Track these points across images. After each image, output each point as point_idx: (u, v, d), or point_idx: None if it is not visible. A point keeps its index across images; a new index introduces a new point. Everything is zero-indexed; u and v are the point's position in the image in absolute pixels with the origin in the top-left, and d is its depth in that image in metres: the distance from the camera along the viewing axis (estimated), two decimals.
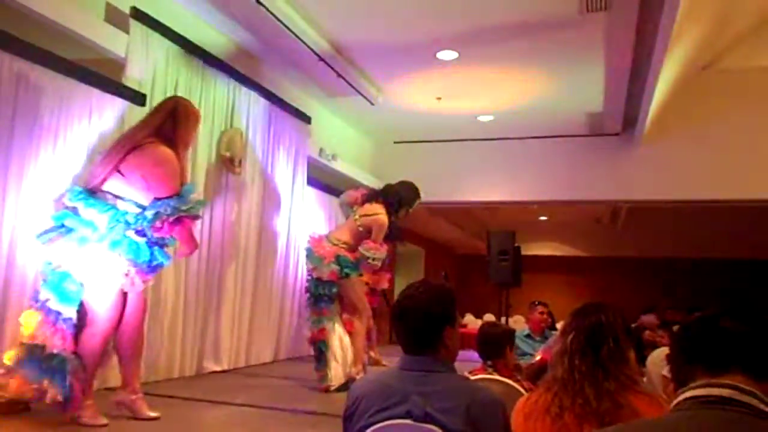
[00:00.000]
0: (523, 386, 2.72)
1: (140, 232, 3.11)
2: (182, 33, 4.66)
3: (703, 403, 0.90)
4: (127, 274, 3.07)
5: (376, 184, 8.65)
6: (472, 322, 11.73)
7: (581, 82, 6.41)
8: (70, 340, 2.97)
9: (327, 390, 4.40)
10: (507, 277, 7.62)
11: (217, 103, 5.11)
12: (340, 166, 7.59)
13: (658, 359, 3.80)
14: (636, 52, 5.43)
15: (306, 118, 6.55)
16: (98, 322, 3.06)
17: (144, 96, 4.25)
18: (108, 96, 4.02)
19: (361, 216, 4.70)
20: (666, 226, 12.22)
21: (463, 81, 6.52)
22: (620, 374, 1.69)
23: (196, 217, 3.27)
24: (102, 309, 3.06)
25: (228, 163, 5.19)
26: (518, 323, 8.62)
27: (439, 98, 7.05)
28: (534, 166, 8.19)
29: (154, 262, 3.18)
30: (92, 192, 3.15)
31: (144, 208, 3.12)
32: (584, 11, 4.82)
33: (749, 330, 0.96)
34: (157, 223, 3.08)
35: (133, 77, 4.21)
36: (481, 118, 7.72)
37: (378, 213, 4.66)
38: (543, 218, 13.45)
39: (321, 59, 5.66)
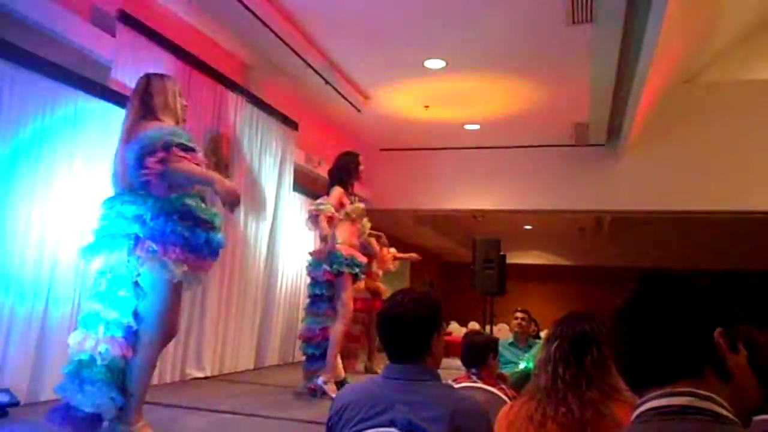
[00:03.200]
0: (506, 394, 2.73)
1: (186, 216, 2.81)
2: (169, 37, 4.64)
3: (665, 414, 0.90)
4: (182, 266, 2.77)
5: (363, 191, 8.68)
6: (456, 330, 11.77)
7: (567, 93, 6.47)
8: (117, 348, 2.72)
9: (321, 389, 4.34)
10: (492, 286, 7.64)
11: (204, 108, 5.09)
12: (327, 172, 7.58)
13: None
14: (621, 64, 5.50)
15: (293, 124, 6.54)
16: (158, 326, 2.80)
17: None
18: (94, 99, 3.99)
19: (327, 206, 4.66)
20: (649, 236, 12.34)
21: (450, 90, 6.56)
22: (603, 383, 1.70)
23: (179, 146, 2.80)
24: (161, 311, 2.80)
25: (214, 168, 5.17)
26: (503, 331, 8.65)
27: (426, 106, 7.09)
28: (520, 175, 8.25)
29: (209, 246, 2.87)
30: (126, 192, 2.87)
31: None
32: (570, 23, 4.88)
33: (682, 337, 0.95)
34: (141, 165, 2.75)
35: (119, 80, 4.19)
36: (467, 126, 7.77)
37: (333, 190, 4.75)
38: (528, 227, 13.52)
39: (309, 65, 5.67)
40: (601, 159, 7.82)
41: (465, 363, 3.26)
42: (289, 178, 6.50)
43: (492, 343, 3.40)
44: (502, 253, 7.92)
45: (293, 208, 6.71)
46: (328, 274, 4.50)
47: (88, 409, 2.63)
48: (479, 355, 3.22)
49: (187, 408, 3.62)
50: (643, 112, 6.33)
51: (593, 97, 6.35)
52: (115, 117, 4.13)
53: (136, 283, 2.79)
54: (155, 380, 4.48)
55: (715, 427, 0.87)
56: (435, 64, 5.88)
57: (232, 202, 2.89)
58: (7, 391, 3.24)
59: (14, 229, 3.45)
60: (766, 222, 7.97)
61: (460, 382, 2.97)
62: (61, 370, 2.80)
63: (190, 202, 2.85)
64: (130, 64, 4.24)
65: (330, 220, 4.53)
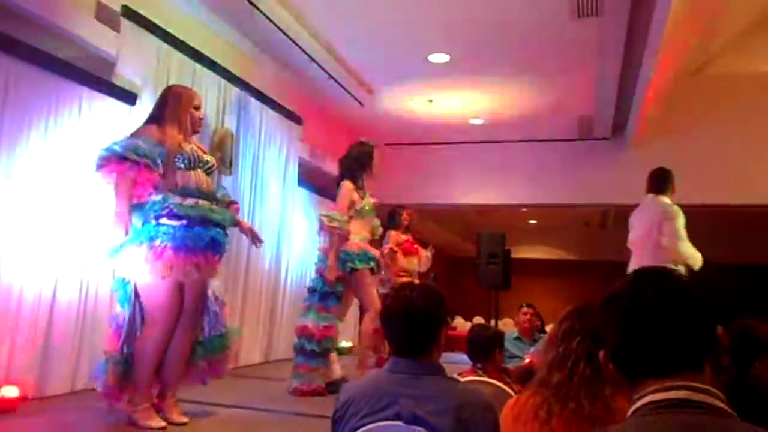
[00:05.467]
0: (512, 388, 2.73)
1: (173, 215, 3.00)
2: (174, 32, 4.64)
3: (663, 408, 0.91)
4: (174, 265, 2.97)
5: (368, 186, 8.67)
6: (461, 325, 11.75)
7: (572, 87, 6.45)
8: (116, 341, 3.01)
9: (319, 390, 4.21)
10: (496, 280, 7.65)
11: (208, 102, 5.08)
12: (332, 167, 7.58)
13: None
14: (626, 57, 5.48)
15: (297, 119, 6.54)
16: (153, 322, 3.04)
17: (135, 95, 4.23)
18: (98, 95, 4.00)
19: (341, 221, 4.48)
20: None
21: (454, 84, 6.54)
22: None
23: (121, 157, 2.95)
24: (155, 308, 3.03)
25: (218, 163, 5.16)
26: (507, 326, 8.65)
27: (430, 101, 7.08)
28: (524, 169, 8.23)
29: (201, 244, 3.04)
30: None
31: None
32: (576, 16, 4.86)
33: (688, 330, 0.96)
34: (100, 169, 2.99)
35: (123, 76, 4.19)
36: (472, 121, 7.75)
37: (342, 187, 4.54)
38: (533, 222, 13.50)
39: (313, 60, 5.66)
40: (606, 153, 7.79)
41: (471, 357, 3.26)
42: (293, 173, 6.51)
43: (498, 337, 3.40)
44: (506, 247, 7.92)
45: (298, 202, 6.71)
46: (338, 273, 4.33)
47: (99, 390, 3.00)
48: (485, 349, 3.22)
49: (193, 402, 3.63)
50: (648, 106, 6.30)
51: (599, 90, 6.32)
52: (120, 113, 4.15)
53: (131, 283, 3.07)
54: None
55: (712, 419, 0.88)
56: (439, 58, 5.86)
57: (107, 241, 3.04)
58: (14, 386, 3.25)
59: (21, 224, 3.47)
60: None
61: (465, 376, 2.97)
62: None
63: (173, 201, 3.01)
64: (134, 59, 4.25)
65: (344, 239, 4.37)
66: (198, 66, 4.92)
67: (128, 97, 4.19)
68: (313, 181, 7.26)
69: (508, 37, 5.40)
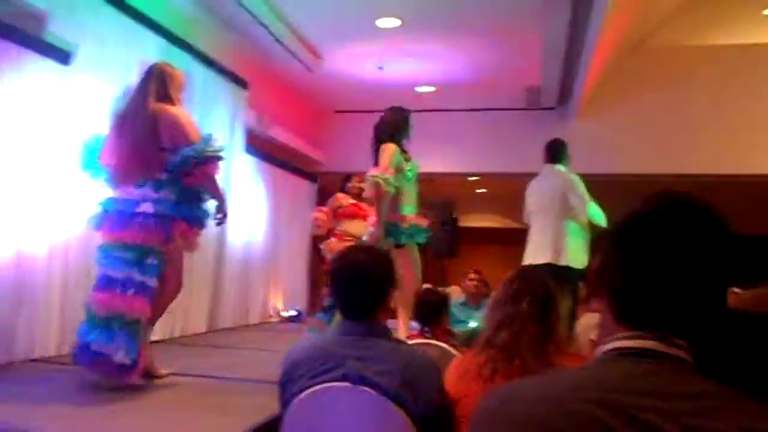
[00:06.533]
0: (457, 350, 2.79)
1: (203, 199, 3.32)
2: None
3: (623, 354, 0.82)
4: (186, 236, 3.24)
5: (316, 154, 8.57)
6: None
7: (520, 56, 6.49)
8: (146, 307, 3.09)
9: None
10: (444, 248, 7.75)
11: (147, 64, 4.87)
12: (280, 134, 7.46)
13: (587, 325, 3.92)
14: (572, 28, 5.53)
15: (242, 83, 6.36)
16: (169, 289, 3.26)
17: (69, 54, 4.02)
18: (30, 53, 3.78)
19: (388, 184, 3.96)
20: (598, 200, 12.67)
21: (405, 50, 6.49)
22: (557, 336, 1.75)
23: (220, 158, 3.29)
24: (176, 273, 3.27)
25: None
26: (454, 293, 8.79)
27: (381, 67, 7.00)
28: (473, 138, 8.29)
29: (204, 219, 3.35)
30: (159, 177, 3.19)
31: (173, 156, 3.17)
32: None
33: (693, 298, 0.84)
34: (186, 169, 3.15)
35: (56, 34, 3.96)
36: (421, 89, 7.73)
37: (386, 148, 4.07)
38: (481, 191, 13.67)
39: (259, 22, 5.50)
40: (553, 123, 7.89)
41: (419, 321, 3.31)
42: (239, 140, 6.35)
43: (444, 301, 3.47)
44: (454, 216, 8.01)
45: (245, 170, 6.58)
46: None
47: (118, 359, 2.93)
48: (433, 313, 3.27)
49: None
50: (594, 76, 6.42)
51: (544, 60, 6.38)
52: (52, 72, 3.94)
53: (162, 253, 3.14)
54: None
55: (668, 368, 0.79)
56: (389, 22, 5.78)
57: (222, 220, 3.47)
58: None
59: None
60: (712, 184, 8.27)
61: (413, 339, 3.02)
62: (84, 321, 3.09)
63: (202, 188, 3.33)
64: (67, 16, 4.02)
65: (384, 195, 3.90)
66: (137, 24, 4.70)
67: (61, 55, 3.98)
68: (261, 148, 7.13)
69: (458, 3, 5.36)
